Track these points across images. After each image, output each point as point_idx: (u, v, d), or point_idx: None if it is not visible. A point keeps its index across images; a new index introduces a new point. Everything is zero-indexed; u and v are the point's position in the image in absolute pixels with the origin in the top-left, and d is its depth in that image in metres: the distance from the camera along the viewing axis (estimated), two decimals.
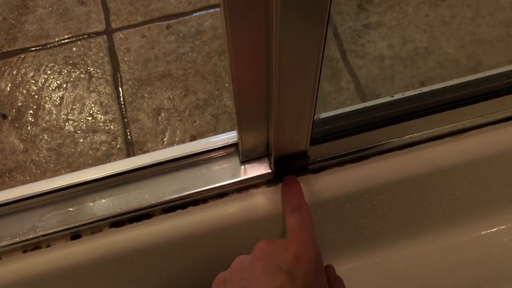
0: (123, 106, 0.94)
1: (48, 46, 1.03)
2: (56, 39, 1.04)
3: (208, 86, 0.95)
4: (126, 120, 0.93)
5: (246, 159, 0.52)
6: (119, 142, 0.90)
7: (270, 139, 0.47)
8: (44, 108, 0.95)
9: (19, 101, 0.97)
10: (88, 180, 0.54)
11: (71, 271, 0.51)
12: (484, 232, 0.68)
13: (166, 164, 0.54)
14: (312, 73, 0.34)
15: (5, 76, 1.00)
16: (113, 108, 0.94)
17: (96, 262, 0.52)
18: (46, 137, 0.92)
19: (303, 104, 0.38)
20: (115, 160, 0.88)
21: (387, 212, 0.61)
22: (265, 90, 0.39)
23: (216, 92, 0.95)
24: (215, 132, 0.89)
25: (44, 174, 0.88)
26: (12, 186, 0.83)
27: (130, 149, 0.89)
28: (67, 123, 0.93)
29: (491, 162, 0.60)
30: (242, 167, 0.52)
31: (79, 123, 0.93)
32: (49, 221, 0.51)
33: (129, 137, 0.91)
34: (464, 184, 0.61)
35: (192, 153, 0.53)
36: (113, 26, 1.06)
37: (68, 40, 1.04)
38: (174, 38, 1.03)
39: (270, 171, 0.52)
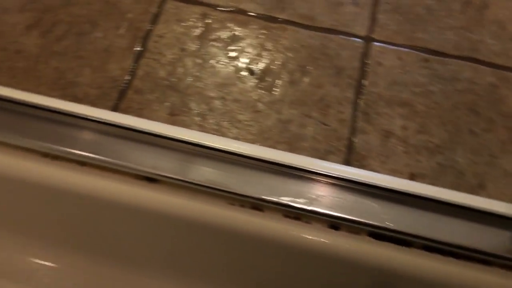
0: (356, 113, 0.96)
1: (310, 28, 1.07)
2: (319, 26, 1.08)
3: (445, 135, 0.93)
4: (355, 127, 0.94)
5: None
6: (341, 145, 0.92)
7: None
8: (282, 83, 0.99)
9: (265, 63, 1.02)
10: (312, 169, 0.55)
11: None
12: None
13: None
14: None
15: (260, 37, 1.06)
16: (347, 111, 0.96)
17: None
18: (278, 108, 0.96)
19: None
20: (332, 158, 0.89)
21: None
22: None
23: (451, 144, 0.92)
24: (435, 181, 0.87)
25: (265, 137, 0.92)
26: None
27: (349, 156, 0.90)
28: (301, 106, 0.96)
29: None
30: None
31: (313, 109, 0.96)
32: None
33: (352, 144, 0.92)
34: None
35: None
36: (374, 36, 1.07)
37: (329, 30, 1.07)
38: (428, 73, 1.02)
39: None
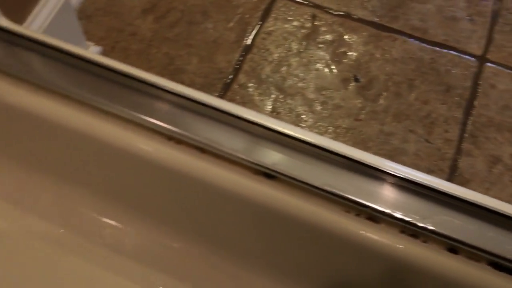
0: (464, 134, 0.92)
1: (421, 40, 1.04)
2: (431, 39, 1.04)
3: None
4: (460, 148, 0.90)
5: None
6: (444, 165, 0.88)
7: None
8: (387, 94, 0.97)
9: (371, 72, 1.00)
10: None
11: None
12: None
13: None
14: None
15: (369, 44, 1.04)
16: (453, 131, 0.92)
17: None
18: (381, 119, 0.94)
19: None
20: None
21: None
22: None
23: None
24: None
25: (365, 146, 0.90)
26: None
27: (452, 178, 0.87)
28: (405, 120, 0.94)
29: None
30: None
31: (417, 124, 0.93)
32: None
33: (456, 166, 0.88)
34: None
35: None
36: (489, 56, 1.02)
37: (441, 45, 1.04)
38: None
39: None
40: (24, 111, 0.65)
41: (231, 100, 0.96)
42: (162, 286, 0.67)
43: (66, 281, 0.68)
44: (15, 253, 0.70)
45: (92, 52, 0.96)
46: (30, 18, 0.74)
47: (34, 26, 0.74)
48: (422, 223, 0.52)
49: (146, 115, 0.57)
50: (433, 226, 0.51)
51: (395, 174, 0.53)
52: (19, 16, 0.72)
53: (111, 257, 0.68)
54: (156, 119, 0.56)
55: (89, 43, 0.99)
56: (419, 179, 0.53)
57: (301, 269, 0.64)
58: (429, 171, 0.87)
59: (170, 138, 0.57)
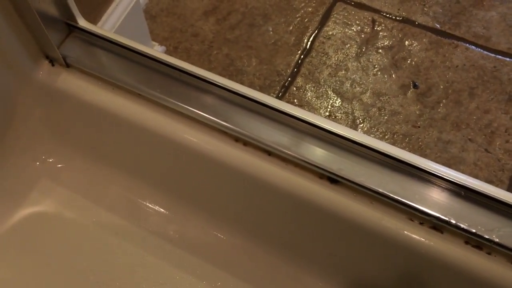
0: None
1: (484, 48, 1.03)
2: (494, 47, 1.02)
3: None
4: None
5: None
6: (504, 176, 0.87)
7: None
8: (447, 102, 0.96)
9: (431, 79, 0.99)
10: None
11: None
12: None
13: None
14: None
15: (429, 50, 1.03)
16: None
17: None
18: (440, 126, 0.93)
19: None
20: None
21: None
22: None
23: None
24: None
25: (423, 153, 0.90)
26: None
27: (511, 189, 0.85)
28: (465, 129, 0.92)
29: None
30: None
31: (477, 133, 0.92)
32: None
33: None
34: None
35: None
36: None
37: (504, 54, 1.01)
38: None
39: None
40: (96, 107, 0.68)
41: (289, 102, 0.98)
42: (220, 282, 0.69)
43: (126, 272, 0.72)
44: (82, 242, 0.74)
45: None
46: (104, 18, 0.77)
47: (107, 25, 0.78)
48: (488, 235, 0.51)
49: (214, 116, 0.59)
50: (498, 239, 0.51)
51: (461, 184, 0.53)
52: (94, 16, 0.76)
53: (173, 251, 0.71)
54: (224, 121, 0.58)
55: (154, 43, 1.02)
56: (485, 191, 0.53)
57: (361, 275, 0.65)
58: (488, 182, 0.86)
59: (237, 139, 0.59)
